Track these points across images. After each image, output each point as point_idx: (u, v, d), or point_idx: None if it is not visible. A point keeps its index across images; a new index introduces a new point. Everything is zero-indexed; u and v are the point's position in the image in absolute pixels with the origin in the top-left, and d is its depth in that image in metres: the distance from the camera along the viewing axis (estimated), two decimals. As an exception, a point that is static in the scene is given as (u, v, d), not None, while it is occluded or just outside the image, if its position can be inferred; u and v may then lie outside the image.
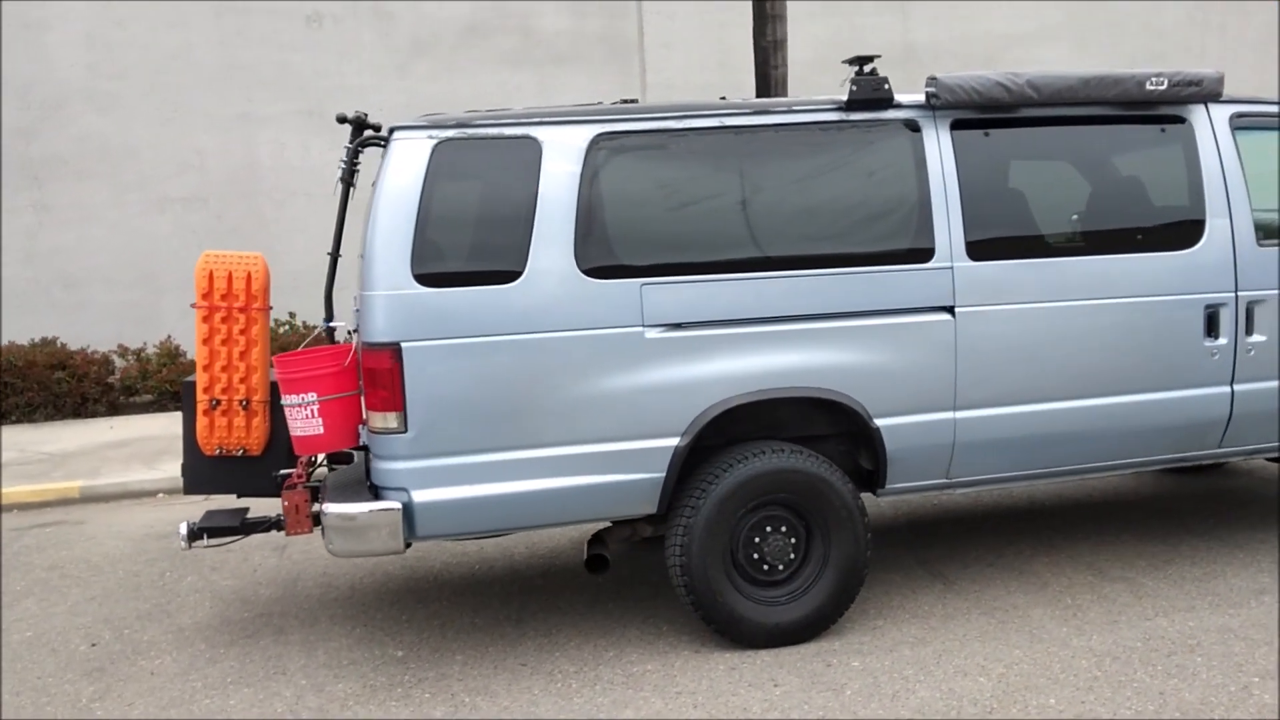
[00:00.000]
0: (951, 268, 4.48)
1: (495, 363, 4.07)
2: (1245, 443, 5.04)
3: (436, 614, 5.02)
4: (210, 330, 4.62)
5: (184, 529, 4.56)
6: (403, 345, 3.99)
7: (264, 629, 4.94)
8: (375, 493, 4.13)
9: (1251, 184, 5.53)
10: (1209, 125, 4.89)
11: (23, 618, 5.27)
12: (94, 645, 4.85)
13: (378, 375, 4.02)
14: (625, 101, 4.60)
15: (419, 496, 4.05)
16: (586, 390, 4.15)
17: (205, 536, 4.64)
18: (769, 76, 9.14)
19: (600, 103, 4.70)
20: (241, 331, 4.64)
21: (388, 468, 4.08)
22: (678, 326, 4.23)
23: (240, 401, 4.60)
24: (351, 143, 4.79)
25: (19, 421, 10.84)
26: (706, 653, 4.39)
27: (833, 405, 4.43)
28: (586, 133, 4.23)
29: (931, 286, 4.47)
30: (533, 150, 4.16)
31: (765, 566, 4.41)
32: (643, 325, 4.19)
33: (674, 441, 4.23)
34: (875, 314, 4.42)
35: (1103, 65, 14.46)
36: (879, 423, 4.45)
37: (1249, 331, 4.87)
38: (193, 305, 4.62)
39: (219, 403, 4.63)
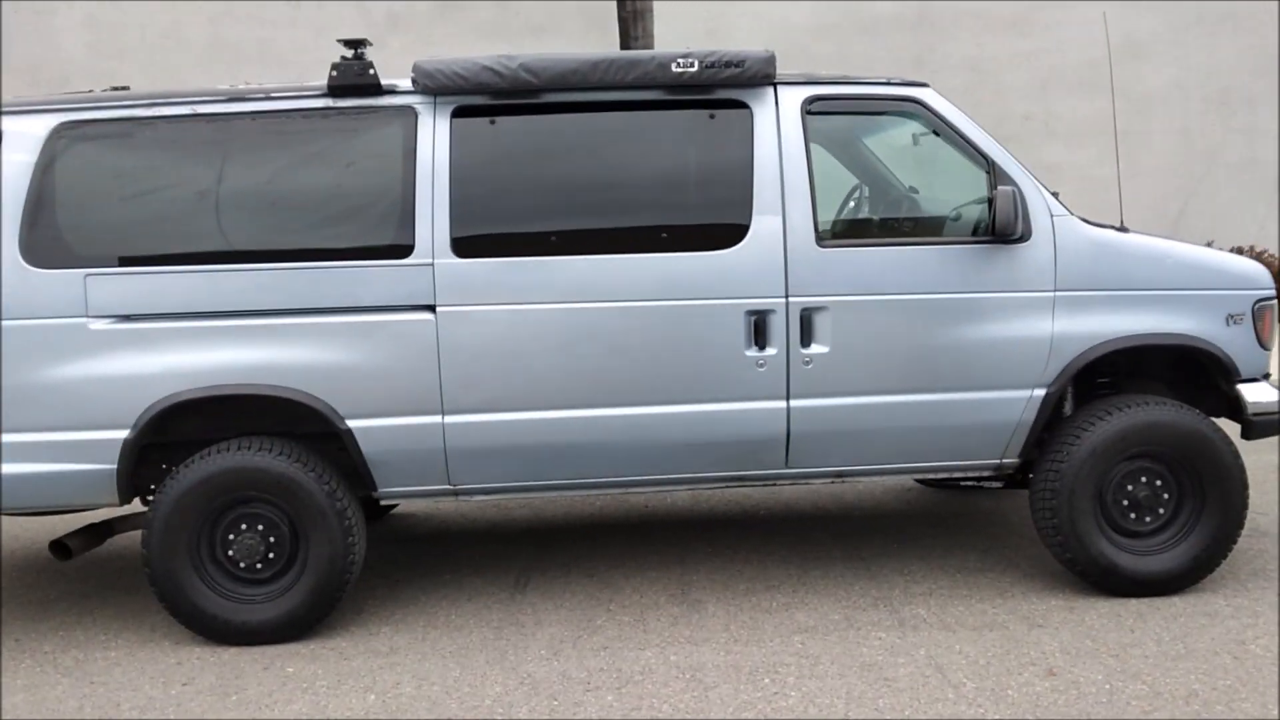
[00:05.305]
0: (433, 264, 4.23)
1: (-63, 350, 4.16)
2: (825, 463, 4.53)
3: (63, 596, 5.08)
4: None
5: None
6: None
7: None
8: None
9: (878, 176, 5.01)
10: (773, 112, 4.38)
11: None
12: None
13: None
14: (116, 89, 4.56)
15: None
16: (30, 379, 4.18)
17: None
18: (630, 49, 8.79)
19: (127, 88, 4.65)
20: None
21: None
22: (127, 319, 4.20)
23: None
24: None
25: None
26: (187, 646, 4.37)
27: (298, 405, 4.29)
28: (47, 122, 4.23)
29: (409, 284, 4.24)
30: (-11, 141, 4.21)
31: (243, 565, 4.34)
32: (87, 316, 4.18)
33: (123, 434, 4.22)
34: (345, 311, 4.25)
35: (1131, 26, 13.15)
36: (351, 424, 4.28)
37: (806, 341, 4.36)
38: None
39: None
